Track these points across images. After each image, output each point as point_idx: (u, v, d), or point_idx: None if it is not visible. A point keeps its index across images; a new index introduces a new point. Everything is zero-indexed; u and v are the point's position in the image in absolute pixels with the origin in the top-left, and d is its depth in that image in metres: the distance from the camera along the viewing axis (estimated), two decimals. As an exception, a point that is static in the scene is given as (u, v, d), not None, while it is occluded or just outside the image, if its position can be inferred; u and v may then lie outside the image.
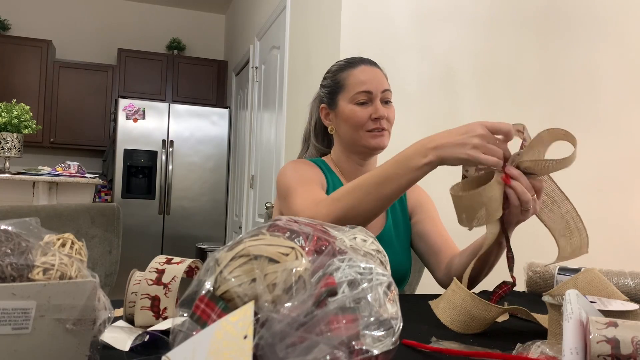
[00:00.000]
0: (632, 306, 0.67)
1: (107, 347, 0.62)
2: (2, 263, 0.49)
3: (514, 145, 0.83)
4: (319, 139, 1.39)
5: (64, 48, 5.30)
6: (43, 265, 0.51)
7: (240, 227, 4.29)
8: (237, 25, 5.02)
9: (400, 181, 0.91)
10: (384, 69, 1.28)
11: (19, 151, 3.05)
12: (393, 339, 0.46)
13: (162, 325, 0.66)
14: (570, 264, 1.19)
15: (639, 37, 2.69)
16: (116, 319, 0.74)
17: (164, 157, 4.75)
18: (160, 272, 0.72)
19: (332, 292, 0.45)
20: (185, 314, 0.48)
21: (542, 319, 0.85)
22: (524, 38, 2.52)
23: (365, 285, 0.47)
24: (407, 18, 2.36)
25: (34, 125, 3.12)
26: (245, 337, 0.40)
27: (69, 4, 5.35)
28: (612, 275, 1.09)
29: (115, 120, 4.73)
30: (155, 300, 0.70)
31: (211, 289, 0.47)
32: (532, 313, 0.86)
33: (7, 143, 2.99)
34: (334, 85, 1.26)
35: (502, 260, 0.98)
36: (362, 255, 0.54)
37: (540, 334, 0.77)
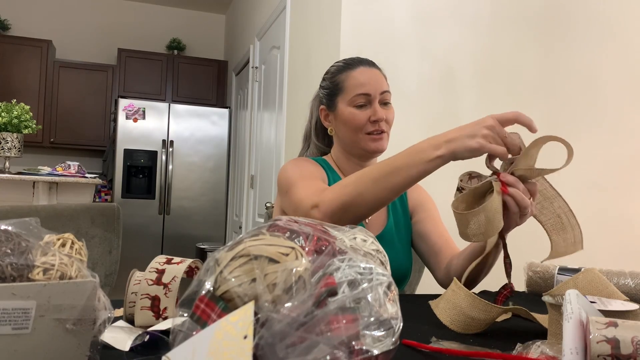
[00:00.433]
0: (632, 306, 0.67)
1: (107, 347, 0.62)
2: (2, 263, 0.49)
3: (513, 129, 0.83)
4: (320, 138, 1.39)
5: (64, 48, 5.30)
6: (43, 265, 0.51)
7: (240, 227, 4.29)
8: (237, 25, 5.02)
9: (411, 172, 0.90)
10: (383, 70, 1.28)
11: (19, 151, 3.05)
12: (393, 339, 0.46)
13: (162, 325, 0.66)
14: (570, 264, 1.19)
15: (639, 37, 2.69)
16: (116, 319, 0.74)
17: (164, 157, 4.75)
18: (160, 272, 0.72)
19: (332, 292, 0.45)
20: (185, 314, 0.48)
21: (542, 319, 0.85)
22: (524, 38, 2.52)
23: (365, 285, 0.47)
24: (407, 18, 2.35)
25: (34, 125, 3.12)
26: (245, 337, 0.40)
27: (69, 4, 5.35)
28: (612, 275, 1.09)
29: (115, 120, 4.73)
30: (155, 300, 0.70)
31: (211, 289, 0.47)
32: (532, 313, 0.86)
33: (7, 143, 2.99)
34: (332, 87, 1.26)
35: (502, 261, 0.98)
36: (362, 255, 0.54)
37: (540, 334, 0.77)
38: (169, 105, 4.81)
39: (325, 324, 0.42)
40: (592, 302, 0.67)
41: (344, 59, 1.31)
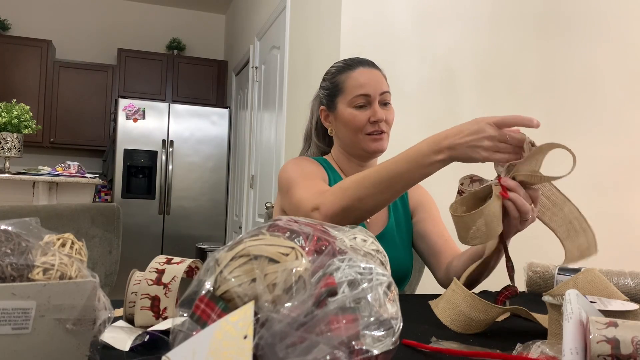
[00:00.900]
0: (632, 306, 0.67)
1: (107, 347, 0.62)
2: (2, 263, 0.49)
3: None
4: (320, 138, 1.39)
5: (64, 48, 5.30)
6: (43, 265, 0.51)
7: (240, 227, 4.29)
8: (237, 25, 5.02)
9: (412, 177, 0.91)
10: (383, 70, 1.28)
11: (19, 151, 3.05)
12: (393, 339, 0.46)
13: (162, 325, 0.66)
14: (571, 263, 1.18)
15: (639, 37, 2.69)
16: (116, 319, 0.74)
17: (164, 157, 4.75)
18: (160, 272, 0.72)
19: (332, 292, 0.45)
20: (185, 314, 0.48)
21: (542, 319, 0.85)
22: (524, 38, 2.52)
23: (365, 285, 0.47)
24: (407, 18, 2.35)
25: (34, 125, 3.12)
26: (245, 337, 0.40)
27: (69, 4, 5.35)
28: (612, 275, 1.09)
29: (115, 120, 4.73)
30: (155, 300, 0.70)
31: (211, 289, 0.47)
32: (532, 313, 0.86)
33: (7, 143, 2.99)
34: (332, 88, 1.26)
35: (502, 264, 0.98)
36: (362, 255, 0.54)
37: (540, 334, 0.77)
38: (169, 105, 4.81)
39: (325, 324, 0.42)
40: (592, 302, 0.67)
41: (343, 60, 1.31)
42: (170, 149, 4.77)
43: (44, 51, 4.95)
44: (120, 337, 0.66)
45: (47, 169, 3.14)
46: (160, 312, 0.70)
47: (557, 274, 1.14)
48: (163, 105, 4.78)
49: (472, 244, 0.86)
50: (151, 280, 0.71)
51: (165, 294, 0.71)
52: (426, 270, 1.44)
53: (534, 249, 1.93)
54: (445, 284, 1.19)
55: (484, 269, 1.04)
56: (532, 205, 0.85)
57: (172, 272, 0.72)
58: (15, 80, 4.88)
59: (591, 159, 2.58)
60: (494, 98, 2.47)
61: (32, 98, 4.87)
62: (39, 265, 0.51)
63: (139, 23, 5.57)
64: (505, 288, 0.90)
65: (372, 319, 0.45)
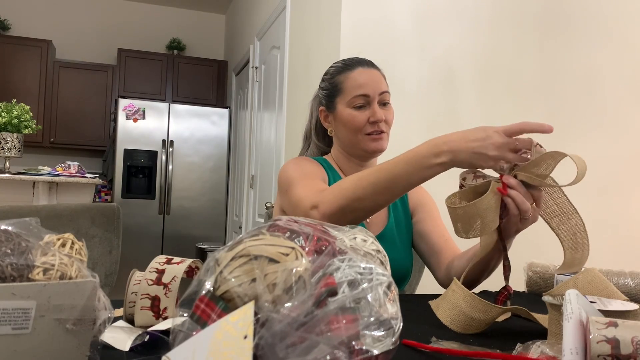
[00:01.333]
0: (632, 306, 0.67)
1: (107, 347, 0.62)
2: (2, 263, 0.49)
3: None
4: (320, 138, 1.39)
5: (64, 48, 5.30)
6: (43, 265, 0.51)
7: (240, 227, 4.29)
8: (237, 25, 5.02)
9: (411, 179, 0.91)
10: (382, 70, 1.28)
11: (19, 151, 3.05)
12: (393, 339, 0.46)
13: (162, 325, 0.66)
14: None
15: (639, 37, 2.69)
16: (116, 319, 0.74)
17: (164, 157, 4.75)
18: (160, 272, 0.72)
19: (332, 292, 0.45)
20: (185, 314, 0.48)
21: (542, 319, 0.85)
22: (524, 38, 2.52)
23: (365, 285, 0.47)
24: (407, 18, 2.35)
25: (34, 125, 3.12)
26: (245, 337, 0.40)
27: (69, 4, 5.35)
28: (612, 275, 1.09)
29: (115, 120, 4.73)
30: (155, 300, 0.70)
31: (211, 289, 0.47)
32: (532, 313, 0.86)
33: (7, 143, 2.99)
34: (331, 88, 1.26)
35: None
36: (362, 255, 0.54)
37: (540, 334, 0.77)
38: (169, 105, 4.81)
39: (325, 324, 0.42)
40: (592, 302, 0.67)
41: (342, 60, 1.31)
42: (170, 149, 4.77)
43: (44, 51, 4.95)
44: (120, 337, 0.66)
45: (47, 169, 3.14)
46: (160, 312, 0.70)
47: (557, 274, 1.14)
48: (163, 105, 4.78)
49: (464, 237, 0.86)
50: (151, 280, 0.71)
51: (165, 294, 0.71)
52: (426, 270, 1.44)
53: (534, 249, 1.93)
54: (445, 284, 1.19)
55: (484, 269, 1.04)
56: (534, 204, 0.85)
57: (172, 272, 0.72)
58: (15, 80, 4.88)
59: (591, 159, 2.57)
60: (494, 98, 2.47)
61: (32, 98, 4.87)
62: (39, 265, 0.51)
63: (139, 23, 5.57)
64: (504, 288, 0.91)
65: (372, 319, 0.45)
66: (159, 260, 0.74)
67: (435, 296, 0.91)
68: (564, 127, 2.54)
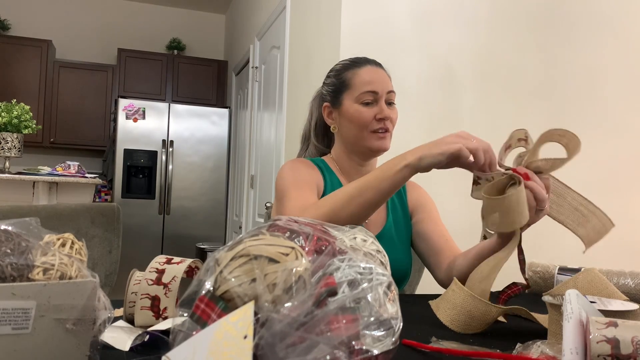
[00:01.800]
0: (632, 306, 0.67)
1: (107, 347, 0.62)
2: (2, 263, 0.49)
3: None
4: (319, 139, 1.39)
5: (64, 48, 5.30)
6: (43, 265, 0.51)
7: (240, 227, 4.29)
8: (237, 25, 5.02)
9: (381, 186, 0.93)
10: (388, 71, 1.29)
11: (19, 151, 3.05)
12: (393, 339, 0.46)
13: (162, 325, 0.66)
14: (570, 264, 1.19)
15: (639, 37, 2.69)
16: (116, 319, 0.74)
17: (164, 157, 4.75)
18: (160, 272, 0.72)
19: (332, 292, 0.45)
20: (185, 314, 0.48)
21: (542, 319, 0.85)
22: (524, 38, 2.52)
23: (365, 285, 0.47)
24: (407, 18, 2.35)
25: (34, 125, 3.12)
26: (245, 337, 0.40)
27: (69, 4, 5.35)
28: (612, 275, 1.09)
29: (115, 120, 4.73)
30: (155, 300, 0.70)
31: (211, 289, 0.47)
32: (532, 313, 0.86)
33: (7, 143, 2.99)
34: (338, 83, 1.26)
35: (509, 261, 0.98)
36: (362, 255, 0.54)
37: (540, 334, 0.77)
38: (169, 105, 4.81)
39: (325, 324, 0.42)
40: (592, 302, 0.67)
41: (350, 58, 1.31)
42: (170, 149, 4.77)
43: (44, 51, 4.95)
44: (120, 337, 0.66)
45: (47, 169, 3.14)
46: (160, 312, 0.70)
47: (557, 274, 1.14)
48: (163, 105, 4.78)
49: (499, 230, 0.85)
50: (151, 280, 0.71)
51: (165, 294, 0.71)
52: (426, 270, 1.44)
53: (534, 249, 1.92)
54: (445, 283, 1.19)
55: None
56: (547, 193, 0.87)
57: (172, 272, 0.72)
58: (15, 80, 4.88)
59: (591, 159, 2.58)
60: (494, 97, 2.47)
61: (32, 98, 4.87)
62: (39, 265, 0.51)
63: (139, 23, 5.57)
64: (509, 287, 0.90)
65: (372, 319, 0.45)
66: (159, 260, 0.74)
67: (435, 296, 0.91)
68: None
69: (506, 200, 0.81)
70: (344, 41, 2.28)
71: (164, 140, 4.76)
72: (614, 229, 0.88)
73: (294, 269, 0.46)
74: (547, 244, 2.24)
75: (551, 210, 0.91)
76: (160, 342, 0.63)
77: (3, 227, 0.53)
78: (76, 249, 0.58)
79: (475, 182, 0.91)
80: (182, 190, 4.80)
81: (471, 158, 0.88)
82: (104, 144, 5.12)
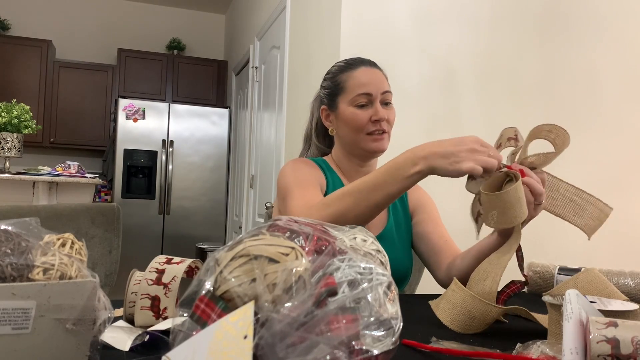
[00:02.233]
0: (632, 306, 0.67)
1: (107, 347, 0.62)
2: (2, 263, 0.49)
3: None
4: (321, 139, 1.39)
5: (64, 48, 5.30)
6: (43, 265, 0.51)
7: (240, 227, 4.29)
8: (237, 25, 5.02)
9: (390, 189, 0.92)
10: (384, 70, 1.28)
11: (19, 151, 3.05)
12: (393, 339, 0.46)
13: (162, 325, 0.66)
14: (570, 264, 1.19)
15: (639, 37, 2.69)
16: (116, 319, 0.74)
17: (164, 157, 4.75)
18: (160, 272, 0.72)
19: (332, 292, 0.45)
20: (185, 314, 0.48)
21: (542, 319, 0.85)
22: (524, 38, 2.52)
23: (365, 285, 0.47)
24: (407, 18, 2.35)
25: (34, 125, 3.12)
26: (245, 337, 0.40)
27: (69, 4, 5.35)
28: (612, 275, 1.09)
29: (115, 120, 4.73)
30: (155, 300, 0.70)
31: (211, 289, 0.47)
32: (532, 313, 0.86)
33: (7, 143, 2.99)
34: (333, 87, 1.26)
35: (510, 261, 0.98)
36: (362, 255, 0.54)
37: (540, 334, 0.77)
38: (169, 105, 4.81)
39: (325, 324, 0.42)
40: (592, 302, 0.67)
41: (345, 59, 1.31)
42: (170, 149, 4.77)
43: (44, 51, 4.95)
44: (120, 337, 0.66)
45: (47, 169, 3.13)
46: (160, 312, 0.70)
47: (557, 274, 1.14)
48: (163, 105, 4.78)
49: (499, 225, 0.85)
50: (151, 280, 0.71)
51: (165, 294, 0.71)
52: (426, 270, 1.44)
53: (534, 249, 1.92)
54: (445, 283, 1.19)
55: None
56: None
57: (172, 272, 0.72)
58: (15, 80, 4.88)
59: (591, 159, 2.58)
60: (494, 98, 2.47)
61: (32, 98, 4.86)
62: (39, 265, 0.51)
63: (139, 23, 5.57)
64: (508, 286, 0.90)
65: (372, 319, 0.45)
66: (159, 260, 0.74)
67: (435, 296, 0.91)
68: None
69: (505, 195, 0.82)
70: (344, 41, 2.28)
71: (164, 140, 4.76)
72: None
73: (294, 269, 0.46)
74: (547, 244, 2.24)
75: (546, 204, 0.91)
76: (160, 342, 0.63)
77: (3, 227, 0.53)
78: (76, 249, 0.58)
79: (471, 176, 0.91)
80: (182, 190, 4.80)
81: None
82: (104, 144, 5.12)
